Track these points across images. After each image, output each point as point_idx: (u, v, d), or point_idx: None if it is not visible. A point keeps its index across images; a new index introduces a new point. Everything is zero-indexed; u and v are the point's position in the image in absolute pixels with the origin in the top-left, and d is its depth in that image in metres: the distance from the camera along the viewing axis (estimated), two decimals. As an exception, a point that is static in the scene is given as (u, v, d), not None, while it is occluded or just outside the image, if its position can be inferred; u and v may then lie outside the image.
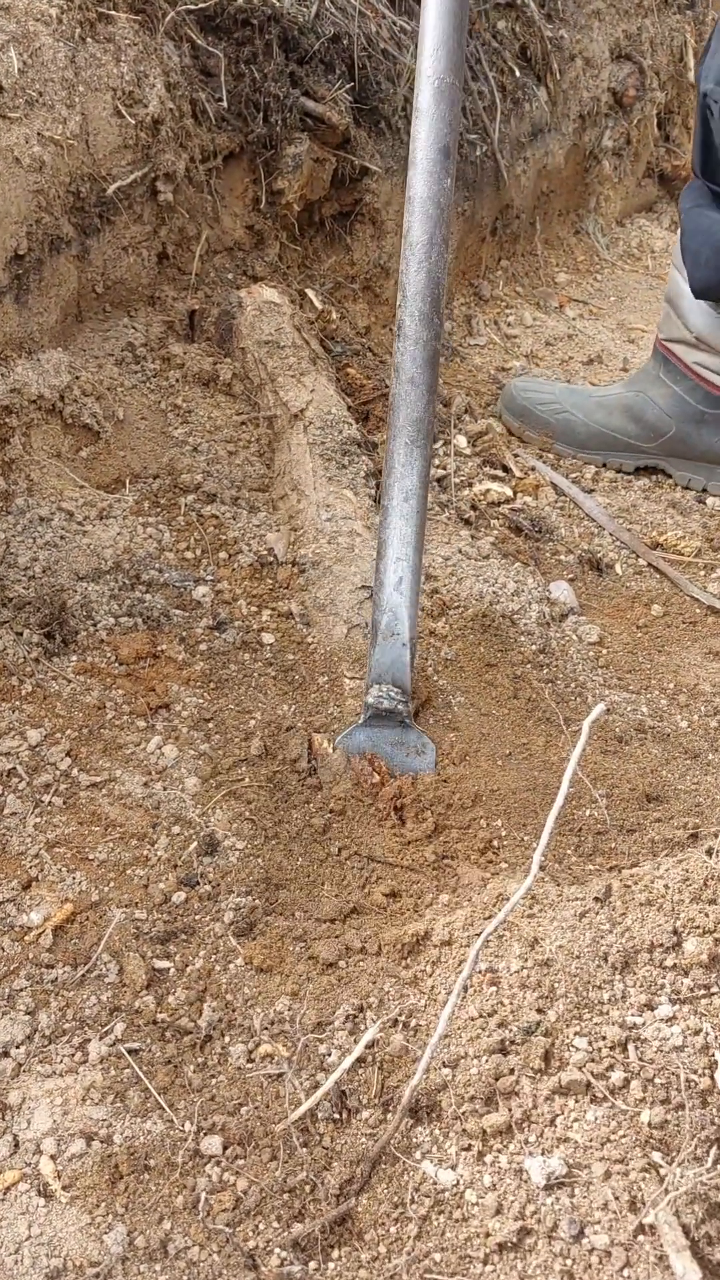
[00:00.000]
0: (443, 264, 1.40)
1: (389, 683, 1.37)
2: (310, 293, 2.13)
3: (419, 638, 1.56)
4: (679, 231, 1.95)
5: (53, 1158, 0.96)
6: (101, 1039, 1.05)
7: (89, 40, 1.70)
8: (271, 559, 1.67)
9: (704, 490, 2.06)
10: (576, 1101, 0.96)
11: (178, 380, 1.86)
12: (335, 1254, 0.90)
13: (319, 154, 2.09)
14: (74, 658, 1.45)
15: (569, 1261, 0.88)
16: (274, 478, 1.81)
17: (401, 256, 1.41)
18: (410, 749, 1.38)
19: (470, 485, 1.95)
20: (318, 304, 2.12)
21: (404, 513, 1.41)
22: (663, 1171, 0.92)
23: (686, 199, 1.95)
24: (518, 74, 2.61)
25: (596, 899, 1.11)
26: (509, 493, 1.95)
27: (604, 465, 2.10)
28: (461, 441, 2.05)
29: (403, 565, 1.39)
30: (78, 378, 1.73)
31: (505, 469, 2.02)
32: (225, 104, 1.94)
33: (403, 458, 1.41)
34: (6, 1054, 1.03)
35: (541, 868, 1.14)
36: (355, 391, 2.00)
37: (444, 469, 1.95)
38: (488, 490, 1.93)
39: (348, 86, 2.13)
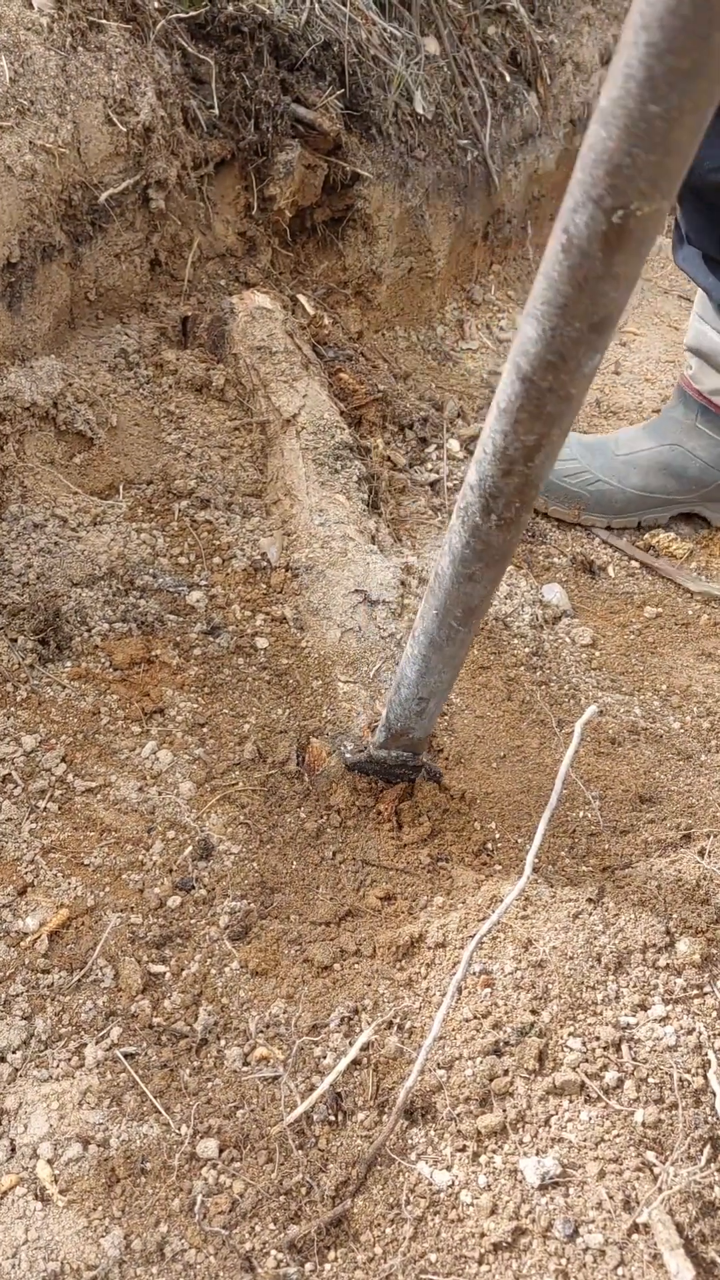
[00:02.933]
0: (548, 466, 0.94)
1: (398, 750, 1.34)
2: (302, 298, 2.13)
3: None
4: (714, 301, 1.79)
5: (49, 1162, 0.96)
6: (98, 1043, 1.06)
7: (80, 49, 1.71)
8: (265, 564, 1.67)
9: None
10: (570, 1102, 0.97)
11: (171, 386, 1.86)
12: (331, 1255, 0.91)
13: (310, 160, 2.09)
14: (68, 663, 1.45)
15: (564, 1261, 0.88)
16: (267, 483, 1.81)
17: (484, 439, 0.94)
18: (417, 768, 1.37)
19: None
20: (310, 309, 2.13)
21: (439, 669, 1.21)
22: (656, 1171, 0.92)
23: (694, 266, 1.80)
24: (508, 79, 2.62)
25: (590, 900, 1.11)
26: None
27: (639, 526, 1.96)
28: (455, 445, 2.06)
29: (428, 703, 1.27)
30: (71, 384, 1.74)
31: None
32: (216, 111, 1.95)
33: (446, 633, 1.15)
34: (3, 1059, 1.04)
35: (535, 869, 1.14)
36: (347, 396, 2.01)
37: (437, 473, 1.96)
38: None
39: (339, 93, 2.14)
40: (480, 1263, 0.89)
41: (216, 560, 1.66)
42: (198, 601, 1.59)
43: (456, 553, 1.05)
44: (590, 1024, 1.02)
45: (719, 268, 1.75)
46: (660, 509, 1.95)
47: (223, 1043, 1.07)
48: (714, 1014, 1.01)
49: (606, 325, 0.79)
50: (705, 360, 1.85)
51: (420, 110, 2.34)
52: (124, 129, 1.75)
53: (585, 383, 0.84)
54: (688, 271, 1.82)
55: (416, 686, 1.25)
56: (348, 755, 1.38)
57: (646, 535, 1.94)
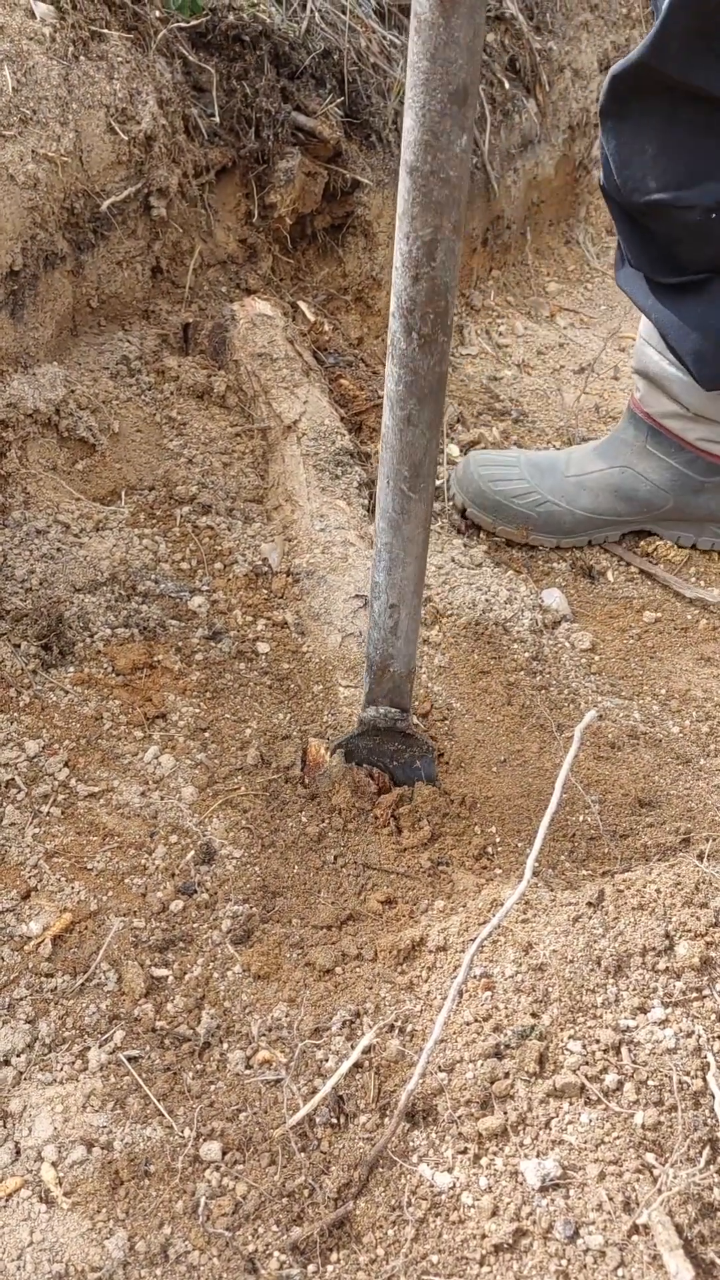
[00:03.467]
0: (451, 268, 1.01)
1: (386, 705, 1.33)
2: (303, 305, 2.15)
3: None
4: (655, 324, 1.74)
5: (54, 1165, 0.97)
6: (101, 1047, 1.06)
7: (82, 58, 1.72)
8: (266, 569, 1.68)
9: (693, 546, 1.94)
10: (571, 1104, 0.98)
11: (172, 393, 1.87)
12: (334, 1257, 0.91)
13: (311, 168, 2.11)
14: (71, 669, 1.46)
15: (564, 1262, 0.89)
16: (268, 488, 1.82)
17: (395, 252, 1.02)
18: (411, 757, 1.38)
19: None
20: (310, 316, 2.14)
21: (402, 560, 1.21)
22: (656, 1172, 0.93)
23: (637, 289, 1.75)
24: (507, 86, 2.63)
25: (589, 904, 1.12)
26: None
27: (589, 544, 1.94)
28: (454, 450, 2.07)
29: (400, 611, 1.26)
30: (73, 391, 1.75)
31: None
32: (217, 119, 1.97)
33: (398, 504, 1.17)
34: (7, 1062, 1.04)
35: (535, 873, 1.15)
36: (348, 402, 2.02)
37: (438, 478, 1.97)
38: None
39: (339, 101, 2.16)
40: (481, 1264, 0.89)
41: (218, 566, 1.67)
42: (199, 607, 1.60)
43: (391, 396, 1.10)
44: (590, 1027, 1.02)
45: (658, 289, 1.71)
46: (611, 529, 1.93)
47: (225, 1046, 1.08)
48: (713, 1017, 1.02)
49: (464, 96, 0.90)
50: (651, 383, 1.82)
51: (420, 117, 2.35)
52: (126, 137, 1.76)
53: (461, 165, 0.93)
54: (628, 293, 1.78)
55: (385, 591, 1.23)
56: (335, 739, 1.37)
57: (643, 542, 1.95)
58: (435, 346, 1.06)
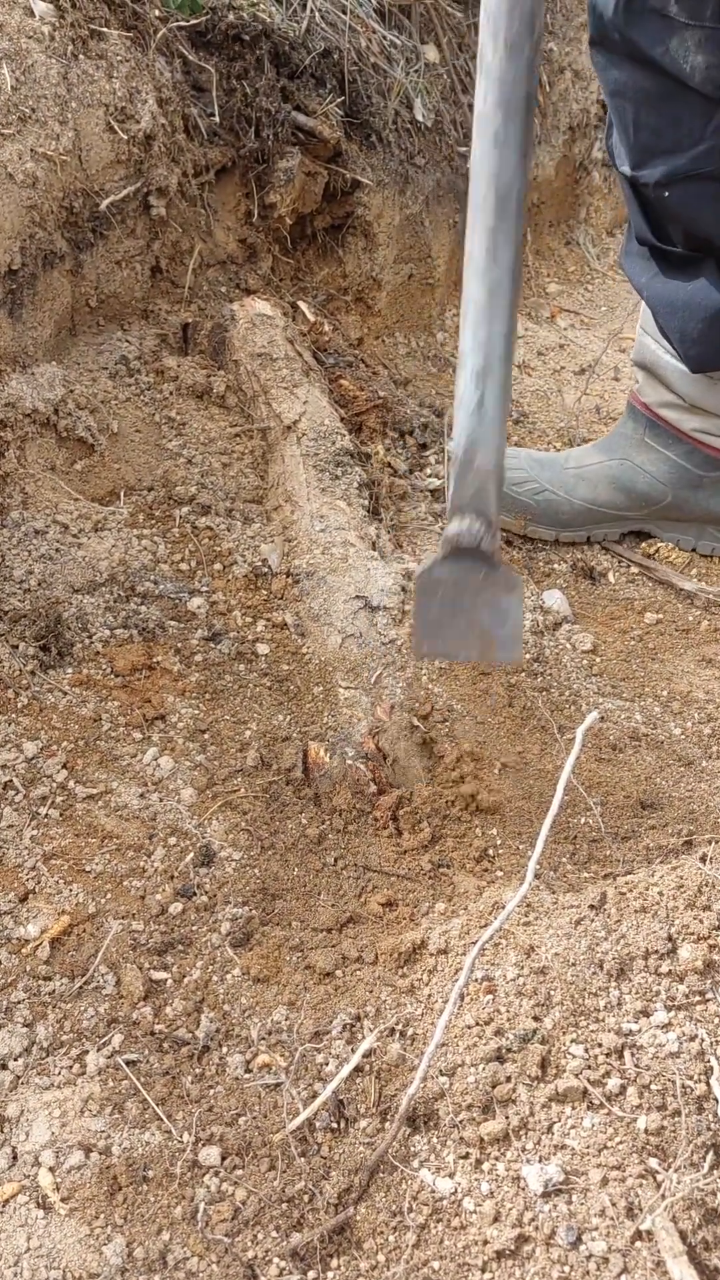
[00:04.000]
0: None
1: (471, 514, 1.14)
2: (303, 305, 2.14)
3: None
4: (645, 303, 1.76)
5: (51, 1170, 0.96)
6: (99, 1050, 1.06)
7: (81, 57, 1.72)
8: (266, 570, 1.67)
9: (693, 550, 1.92)
10: (573, 1108, 0.97)
11: (171, 393, 1.87)
12: (334, 1263, 0.91)
13: (311, 167, 2.10)
14: (69, 670, 1.45)
15: (567, 1268, 0.88)
16: (268, 489, 1.81)
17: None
18: (496, 588, 1.16)
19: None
20: (310, 316, 2.13)
21: (488, 314, 1.09)
22: (659, 1177, 0.92)
23: (634, 269, 1.75)
24: (507, 87, 2.63)
25: (592, 906, 1.11)
26: None
27: (588, 540, 1.92)
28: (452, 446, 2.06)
29: (486, 380, 1.11)
30: (72, 391, 1.74)
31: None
32: (217, 119, 1.96)
33: (484, 242, 1.07)
34: (4, 1066, 1.04)
35: (537, 875, 1.14)
36: (348, 403, 2.01)
37: (439, 478, 1.96)
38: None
39: (339, 100, 2.15)
40: (483, 1270, 0.89)
41: (217, 566, 1.66)
42: (199, 608, 1.59)
43: (479, 113, 1.05)
44: (592, 1030, 1.02)
45: (654, 266, 1.71)
46: (610, 525, 1.92)
47: (224, 1050, 1.07)
48: (716, 1020, 1.01)
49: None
50: (649, 373, 1.82)
51: (420, 118, 2.35)
52: (125, 136, 1.76)
53: None
54: (626, 271, 1.78)
55: (470, 355, 1.10)
56: (419, 571, 1.20)
57: (644, 544, 1.95)
58: (521, 54, 1.03)
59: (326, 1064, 1.04)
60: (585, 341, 2.66)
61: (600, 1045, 1.00)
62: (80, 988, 1.11)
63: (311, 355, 2.02)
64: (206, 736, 1.42)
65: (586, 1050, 1.00)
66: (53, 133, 1.65)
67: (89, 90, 1.71)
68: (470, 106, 2.47)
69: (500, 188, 1.06)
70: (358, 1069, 1.01)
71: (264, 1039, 1.07)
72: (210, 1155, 0.97)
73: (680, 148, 1.53)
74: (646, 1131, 0.94)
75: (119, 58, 1.77)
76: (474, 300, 1.09)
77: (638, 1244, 0.89)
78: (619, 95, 1.55)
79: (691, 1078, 0.97)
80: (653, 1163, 0.93)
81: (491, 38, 1.03)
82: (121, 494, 1.74)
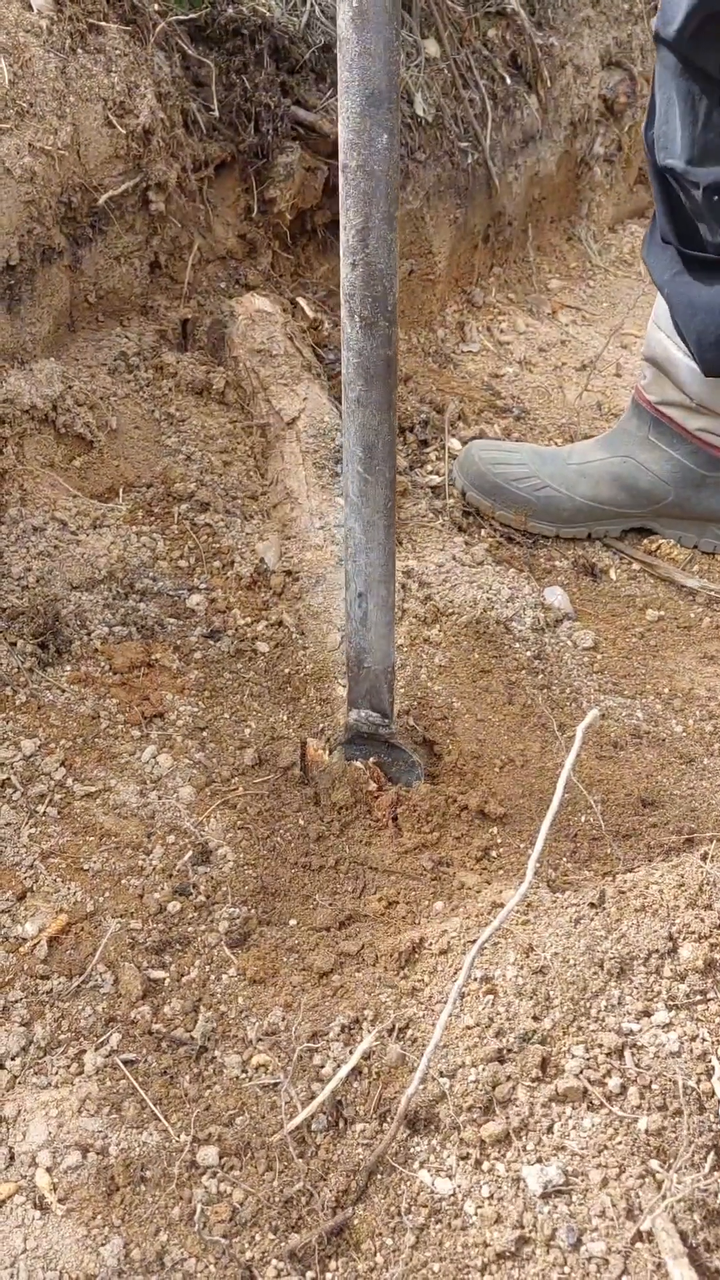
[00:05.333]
0: (385, 252, 1.08)
1: (367, 708, 1.33)
2: (302, 301, 2.13)
3: (415, 643, 1.56)
4: (663, 299, 1.75)
5: (48, 1170, 0.95)
6: (97, 1050, 1.05)
7: (79, 51, 1.71)
8: (265, 567, 1.67)
9: (695, 547, 1.91)
10: (574, 1109, 0.96)
11: (171, 389, 1.86)
12: (332, 1265, 0.90)
13: (311, 162, 2.09)
14: (68, 667, 1.44)
15: (567, 1270, 0.87)
16: (267, 486, 1.81)
17: (341, 243, 1.10)
18: (399, 766, 1.38)
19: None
20: (310, 312, 2.12)
21: (363, 545, 1.23)
22: (660, 1178, 0.91)
23: (659, 265, 1.74)
24: (509, 82, 2.62)
25: (592, 905, 1.11)
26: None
27: (589, 537, 1.92)
28: (456, 445, 2.05)
29: (367, 601, 1.26)
30: (70, 387, 1.73)
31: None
32: (216, 113, 1.95)
33: (357, 487, 1.20)
34: (2, 1066, 1.03)
35: (537, 874, 1.13)
36: (348, 399, 2.00)
37: (439, 474, 1.95)
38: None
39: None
40: (483, 1272, 0.88)
41: (217, 564, 1.66)
42: (198, 605, 1.58)
43: (344, 379, 1.17)
44: (593, 1031, 1.01)
45: (679, 263, 1.69)
46: (611, 521, 1.91)
47: (222, 1050, 1.06)
48: (718, 1020, 1.01)
49: (379, 100, 1.01)
50: (660, 369, 1.80)
51: (420, 113, 2.34)
52: (124, 131, 1.75)
53: (383, 161, 1.04)
54: (649, 265, 1.76)
55: (352, 579, 1.26)
56: (332, 742, 1.37)
57: (645, 541, 1.94)
58: (377, 330, 1.13)
59: (324, 1065, 1.03)
60: (587, 338, 2.65)
61: (601, 1045, 0.99)
62: (78, 987, 1.10)
63: (311, 352, 2.02)
64: (205, 734, 1.41)
65: (587, 1050, 0.99)
66: (51, 127, 1.64)
67: (87, 85, 1.70)
68: (471, 101, 2.47)
69: (366, 443, 1.18)
70: (356, 1070, 1.00)
71: (261, 1040, 1.07)
72: (208, 1156, 0.97)
73: None
74: (647, 1132, 0.94)
75: (117, 52, 1.76)
76: (352, 533, 1.24)
77: (638, 1245, 0.88)
78: (690, 95, 1.52)
79: (693, 1078, 0.96)
80: (653, 1163, 0.92)
81: (348, 315, 1.13)
82: (120, 491, 1.73)
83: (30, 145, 1.61)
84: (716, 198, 1.56)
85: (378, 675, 1.30)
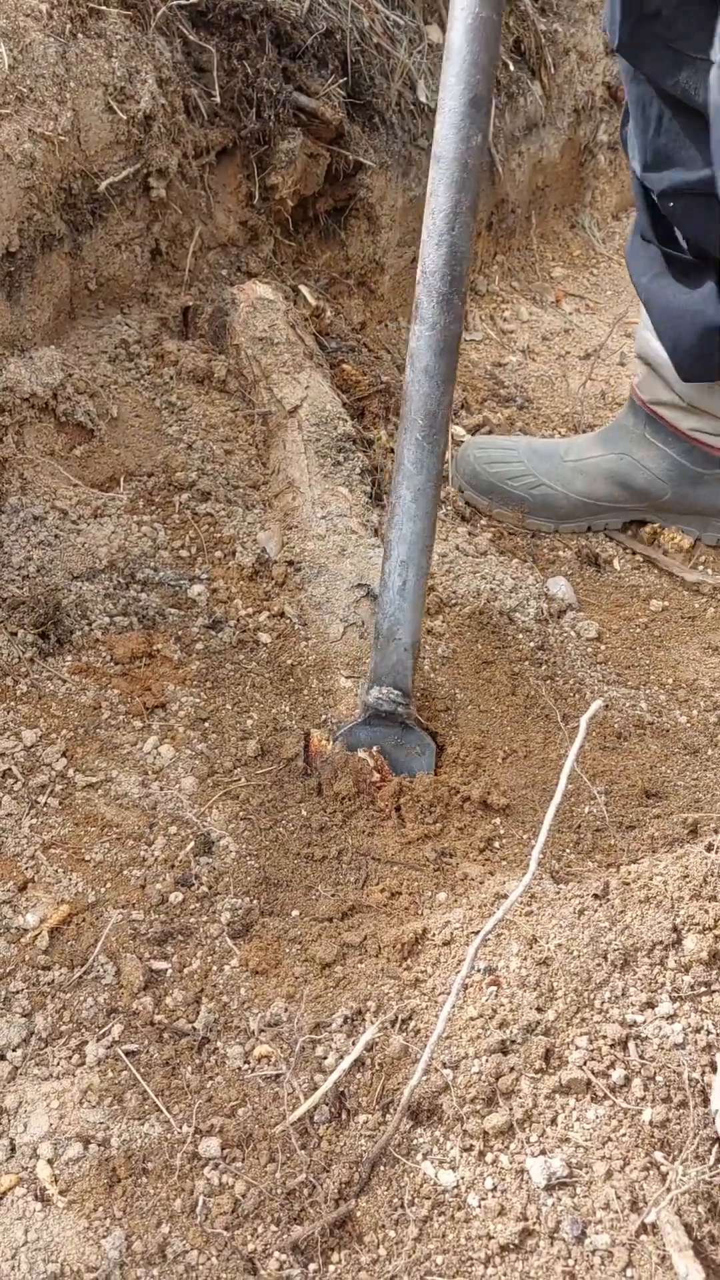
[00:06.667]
0: (467, 237, 1.24)
1: (389, 685, 1.33)
2: (304, 289, 2.12)
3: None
4: (644, 302, 1.73)
5: (50, 1162, 0.95)
6: (99, 1041, 1.05)
7: (80, 36, 1.69)
8: (267, 557, 1.66)
9: (697, 540, 1.89)
10: (577, 1100, 0.96)
11: (172, 377, 1.85)
12: (335, 1257, 0.90)
13: (313, 149, 2.07)
14: (69, 657, 1.44)
15: (571, 1262, 0.87)
16: (269, 475, 1.80)
17: (423, 226, 1.25)
18: (410, 749, 1.37)
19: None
20: (312, 300, 2.11)
21: (412, 513, 1.30)
22: (665, 1170, 0.91)
23: (638, 265, 1.71)
24: (512, 68, 2.60)
25: (595, 896, 1.10)
26: None
27: (589, 530, 1.91)
28: (461, 431, 2.04)
29: (408, 569, 1.31)
30: (71, 375, 1.72)
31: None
32: (218, 99, 1.93)
33: (413, 454, 1.29)
34: (3, 1057, 1.03)
35: (540, 865, 1.13)
36: (350, 388, 1.99)
37: (444, 463, 1.94)
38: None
39: (341, 81, 2.12)
40: (487, 1264, 0.88)
41: (218, 554, 1.65)
42: (199, 595, 1.57)
43: (413, 351, 1.27)
44: (597, 1022, 1.00)
45: (660, 264, 1.67)
46: (610, 515, 1.89)
47: (224, 1041, 1.06)
48: (722, 1012, 1.00)
49: (480, 103, 1.20)
50: (650, 368, 1.78)
51: (424, 99, 2.32)
52: (124, 117, 1.73)
53: (475, 155, 1.22)
54: (629, 265, 1.74)
55: (395, 547, 1.32)
56: (340, 730, 1.36)
57: (646, 529, 1.93)
58: (452, 306, 1.25)
59: (326, 1057, 1.02)
60: (590, 326, 2.64)
61: (604, 1037, 0.99)
62: (80, 977, 1.10)
63: (313, 340, 2.00)
64: (207, 725, 1.41)
65: (591, 1042, 0.99)
66: (51, 113, 1.62)
67: (88, 70, 1.69)
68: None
69: (429, 410, 1.28)
70: (359, 1061, 1.00)
71: (264, 1031, 1.06)
72: (210, 1147, 0.96)
73: (693, 164, 1.50)
74: (651, 1124, 0.93)
75: (118, 37, 1.74)
76: (401, 500, 1.31)
77: (643, 1238, 0.88)
78: (642, 100, 1.51)
79: (697, 1070, 0.96)
80: (658, 1156, 0.92)
81: (426, 291, 1.25)
82: (121, 480, 1.72)
83: (30, 131, 1.59)
84: (672, 204, 1.54)
85: (405, 650, 1.32)
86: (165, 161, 1.83)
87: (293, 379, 1.83)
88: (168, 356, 1.86)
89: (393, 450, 1.92)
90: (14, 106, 1.57)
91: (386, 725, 1.36)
